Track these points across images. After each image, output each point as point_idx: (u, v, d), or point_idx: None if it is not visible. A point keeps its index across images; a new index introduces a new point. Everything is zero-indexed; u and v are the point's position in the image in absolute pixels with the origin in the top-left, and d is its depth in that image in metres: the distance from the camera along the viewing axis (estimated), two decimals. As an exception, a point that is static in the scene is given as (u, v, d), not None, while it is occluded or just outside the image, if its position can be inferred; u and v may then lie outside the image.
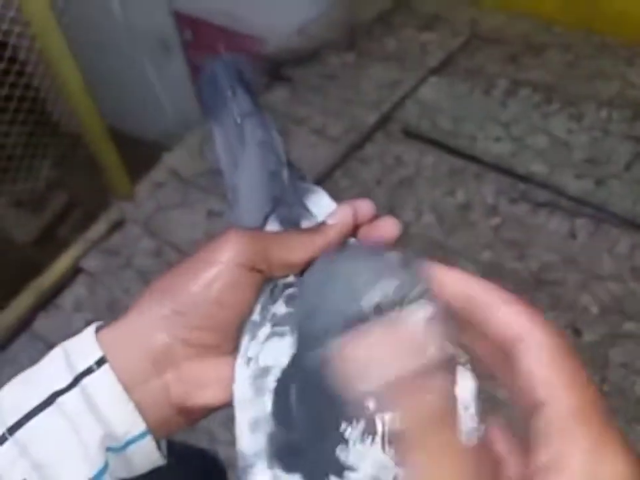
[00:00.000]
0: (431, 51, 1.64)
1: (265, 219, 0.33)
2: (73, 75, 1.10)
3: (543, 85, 1.52)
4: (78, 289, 1.29)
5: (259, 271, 0.29)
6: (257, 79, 0.39)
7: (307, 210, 0.34)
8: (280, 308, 0.29)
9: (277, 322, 0.28)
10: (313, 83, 1.61)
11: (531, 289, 1.19)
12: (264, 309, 0.29)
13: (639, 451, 0.23)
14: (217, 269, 0.28)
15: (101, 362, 0.27)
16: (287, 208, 0.33)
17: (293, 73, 1.64)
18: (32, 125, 1.75)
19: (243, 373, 0.27)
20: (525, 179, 1.33)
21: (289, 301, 0.29)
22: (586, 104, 1.46)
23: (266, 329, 0.28)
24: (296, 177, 0.35)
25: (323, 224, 0.31)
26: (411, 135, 1.46)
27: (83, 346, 0.28)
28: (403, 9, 1.81)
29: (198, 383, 0.28)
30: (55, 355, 0.28)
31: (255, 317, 0.29)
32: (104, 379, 0.27)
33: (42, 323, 1.25)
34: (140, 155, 2.32)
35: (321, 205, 0.34)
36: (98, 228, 1.35)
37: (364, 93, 1.55)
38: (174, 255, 1.29)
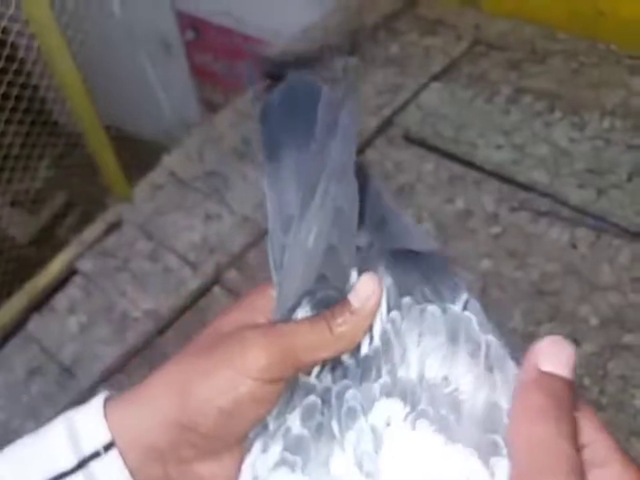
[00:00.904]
0: (434, 56, 1.63)
1: (299, 301, 0.28)
2: (71, 74, 1.09)
3: (546, 93, 1.51)
4: (73, 291, 1.28)
5: (280, 379, 0.27)
6: (358, 121, 0.30)
7: (344, 294, 0.28)
8: (295, 422, 0.26)
9: (288, 445, 0.25)
10: (314, 87, 1.60)
11: (531, 298, 1.18)
12: (280, 415, 0.26)
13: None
14: (236, 380, 0.26)
15: (108, 446, 0.26)
16: (326, 290, 0.28)
17: (295, 76, 1.63)
18: (30, 124, 1.74)
19: None
20: (526, 187, 1.31)
21: (306, 415, 0.26)
22: (589, 113, 1.44)
23: (277, 448, 0.25)
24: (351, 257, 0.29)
25: (348, 304, 0.28)
26: (412, 140, 1.45)
27: (91, 425, 0.27)
28: (407, 13, 1.80)
29: None
30: (60, 431, 0.27)
31: (270, 422, 0.26)
32: (112, 465, 0.26)
33: (36, 325, 1.24)
34: (140, 154, 2.31)
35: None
36: (94, 229, 1.34)
37: (366, 98, 1.54)
38: (171, 258, 1.28)
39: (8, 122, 1.66)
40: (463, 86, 1.54)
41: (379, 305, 0.28)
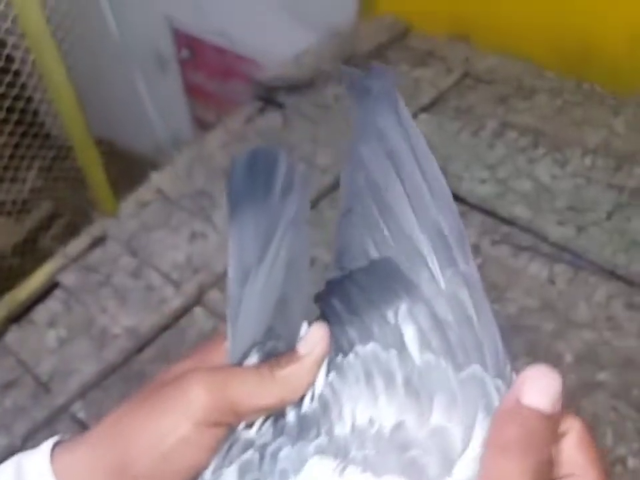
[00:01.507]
0: (423, 87, 1.66)
1: (248, 351, 0.29)
2: (65, 89, 1.10)
3: (531, 129, 1.54)
4: (53, 304, 1.27)
5: (222, 423, 0.27)
6: (309, 188, 0.33)
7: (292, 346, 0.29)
8: (231, 478, 0.26)
9: None
10: (305, 112, 1.63)
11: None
12: (217, 469, 0.27)
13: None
14: (172, 425, 0.26)
15: None
16: (275, 341, 0.29)
17: (287, 100, 1.65)
18: (21, 135, 1.75)
19: None
20: (507, 221, 1.34)
21: (243, 471, 0.26)
22: (571, 150, 1.48)
23: None
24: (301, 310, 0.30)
25: (294, 353, 0.28)
26: (399, 170, 1.47)
27: (37, 469, 0.27)
28: (399, 44, 1.84)
29: None
30: (9, 473, 0.27)
31: (208, 476, 0.27)
32: None
33: (14, 337, 1.23)
34: (130, 169, 2.32)
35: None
36: (79, 243, 1.34)
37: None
38: (154, 275, 1.28)
39: (-1, 132, 1.67)
40: (450, 118, 1.57)
41: (325, 354, 0.28)
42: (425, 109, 1.58)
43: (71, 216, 2.25)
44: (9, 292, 1.26)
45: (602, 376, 1.12)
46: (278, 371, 0.28)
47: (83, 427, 1.12)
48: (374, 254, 0.29)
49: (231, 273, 0.31)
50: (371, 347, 0.28)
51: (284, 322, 0.29)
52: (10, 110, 1.58)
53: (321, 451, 0.26)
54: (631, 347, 1.16)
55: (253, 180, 0.33)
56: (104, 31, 2.00)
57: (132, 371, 1.17)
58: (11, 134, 1.67)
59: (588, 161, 1.46)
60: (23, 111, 1.67)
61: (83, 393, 1.15)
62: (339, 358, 0.28)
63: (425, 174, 0.30)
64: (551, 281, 1.27)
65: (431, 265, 0.28)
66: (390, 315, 0.28)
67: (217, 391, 0.27)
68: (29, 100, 1.74)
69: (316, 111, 1.63)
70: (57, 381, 1.17)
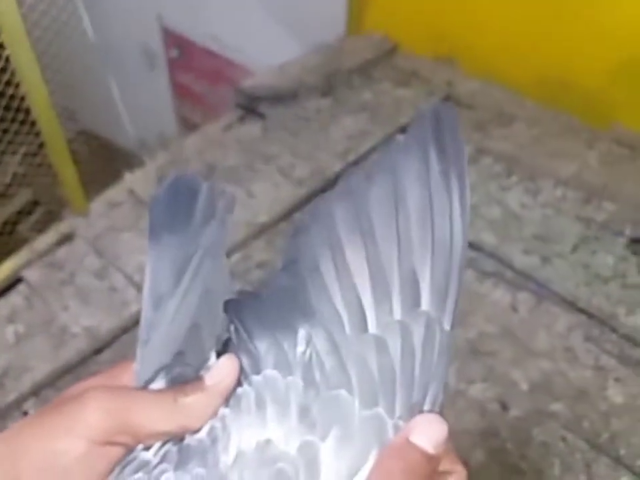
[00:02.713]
0: (403, 107, 1.68)
1: (155, 375, 0.29)
2: (37, 88, 1.09)
3: (506, 156, 1.56)
4: (15, 299, 1.26)
5: (118, 444, 0.27)
6: (229, 218, 0.33)
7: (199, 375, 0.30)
8: None
9: None
10: (286, 123, 1.63)
11: (466, 357, 1.21)
12: None
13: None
14: (66, 442, 0.26)
15: None
16: (182, 367, 0.30)
17: (268, 111, 1.66)
18: (10, 120, 1.73)
19: None
20: (474, 246, 1.35)
21: None
22: (543, 180, 1.50)
23: None
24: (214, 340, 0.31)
25: (200, 382, 0.29)
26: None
27: None
28: (384, 62, 1.86)
29: None
30: None
31: None
32: None
33: (-29, 330, 1.22)
34: (113, 161, 2.31)
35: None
36: (46, 239, 1.33)
37: (333, 140, 1.58)
38: (118, 277, 1.28)
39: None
40: (428, 140, 1.58)
41: (232, 387, 0.29)
42: (403, 130, 1.59)
43: (50, 205, 2.23)
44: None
45: (555, 406, 1.14)
46: (182, 398, 0.28)
47: (33, 425, 1.11)
48: (325, 270, 0.30)
49: (145, 297, 0.32)
50: (267, 373, 0.29)
51: (194, 349, 0.30)
52: (2, 94, 1.57)
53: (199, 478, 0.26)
54: (585, 378, 1.17)
55: (174, 208, 0.33)
56: (81, 30, 1.99)
57: (88, 372, 1.17)
58: (2, 120, 1.66)
59: (559, 192, 1.48)
60: (12, 97, 1.66)
61: (36, 391, 1.14)
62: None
63: (434, 222, 0.30)
64: (514, 308, 1.29)
65: (367, 303, 0.29)
66: (291, 340, 0.29)
67: (114, 411, 0.27)
68: (18, 86, 1.74)
69: (296, 123, 1.64)
70: (11, 377, 1.15)
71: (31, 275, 1.30)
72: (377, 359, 0.28)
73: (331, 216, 0.31)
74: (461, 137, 0.32)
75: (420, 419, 0.27)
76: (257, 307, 0.31)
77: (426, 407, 0.28)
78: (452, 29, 1.77)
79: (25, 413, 1.11)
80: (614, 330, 1.22)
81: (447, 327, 0.29)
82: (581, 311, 1.26)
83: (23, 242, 1.39)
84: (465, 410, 1.13)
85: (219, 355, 0.30)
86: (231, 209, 0.33)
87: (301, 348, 0.29)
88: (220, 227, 0.32)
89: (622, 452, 1.06)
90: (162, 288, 0.32)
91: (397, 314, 0.29)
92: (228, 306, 0.31)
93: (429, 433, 0.27)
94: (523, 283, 1.31)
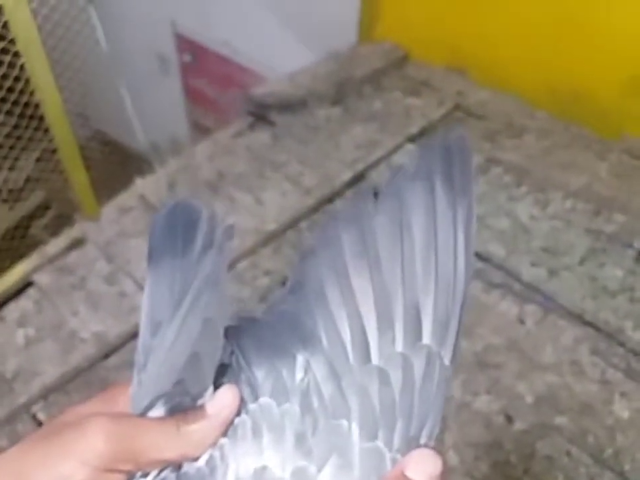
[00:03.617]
0: (414, 116, 1.68)
1: (154, 402, 0.30)
2: (51, 95, 1.11)
3: (516, 167, 1.56)
4: (25, 303, 1.28)
5: (120, 471, 0.27)
6: (229, 246, 0.33)
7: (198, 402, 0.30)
8: None
9: None
10: (295, 132, 1.64)
11: (472, 369, 1.21)
12: None
13: None
14: (69, 469, 0.26)
15: None
16: (182, 396, 0.30)
17: (278, 118, 1.67)
18: (18, 116, 1.76)
19: None
20: (482, 257, 1.35)
21: None
22: (553, 192, 1.50)
23: None
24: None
25: (202, 411, 0.29)
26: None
27: None
28: (396, 71, 1.86)
29: None
30: None
31: None
32: None
33: (-18, 333, 1.23)
34: (129, 164, 2.33)
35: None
36: (57, 243, 1.35)
37: (342, 150, 1.58)
38: (127, 282, 1.29)
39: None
40: (437, 150, 1.58)
41: (233, 417, 0.29)
42: (412, 139, 1.60)
43: (62, 207, 2.26)
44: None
45: (560, 420, 1.14)
46: (184, 426, 0.28)
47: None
48: (331, 296, 0.30)
49: (143, 322, 0.32)
50: (262, 402, 0.29)
51: (194, 378, 0.30)
52: (15, 103, 1.61)
53: None
54: (591, 392, 1.17)
55: (173, 234, 0.33)
56: (94, 38, 2.01)
57: (96, 377, 1.18)
58: (16, 127, 1.70)
59: (569, 203, 1.48)
60: (26, 104, 1.69)
61: (45, 394, 1.16)
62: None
63: (438, 255, 0.30)
64: (520, 321, 1.29)
65: (371, 333, 0.29)
66: (290, 366, 0.30)
67: (118, 439, 0.27)
68: (32, 93, 1.77)
69: (306, 132, 1.65)
70: (20, 380, 1.17)
71: (42, 279, 1.32)
72: (378, 391, 0.29)
73: (338, 241, 0.31)
74: (471, 168, 0.32)
75: (416, 454, 0.28)
76: (257, 333, 0.31)
77: (422, 440, 0.29)
78: (463, 38, 1.78)
79: (34, 416, 1.13)
80: (621, 344, 1.22)
81: (446, 361, 0.29)
82: (588, 324, 1.25)
83: (34, 245, 1.41)
84: (470, 422, 1.13)
85: (217, 382, 0.30)
86: (231, 237, 0.33)
87: (299, 375, 0.29)
88: (219, 255, 0.32)
89: (626, 467, 1.05)
90: (160, 314, 0.32)
91: (399, 346, 0.29)
92: (227, 332, 0.31)
93: (424, 467, 0.27)
94: (531, 296, 1.31)
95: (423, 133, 1.62)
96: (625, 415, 1.12)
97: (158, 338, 0.31)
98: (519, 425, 1.13)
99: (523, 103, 1.74)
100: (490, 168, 1.55)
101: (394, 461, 0.28)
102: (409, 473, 0.27)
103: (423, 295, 0.30)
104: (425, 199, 0.31)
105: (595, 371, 1.20)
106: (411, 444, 0.28)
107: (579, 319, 1.26)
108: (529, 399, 1.16)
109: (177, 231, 0.33)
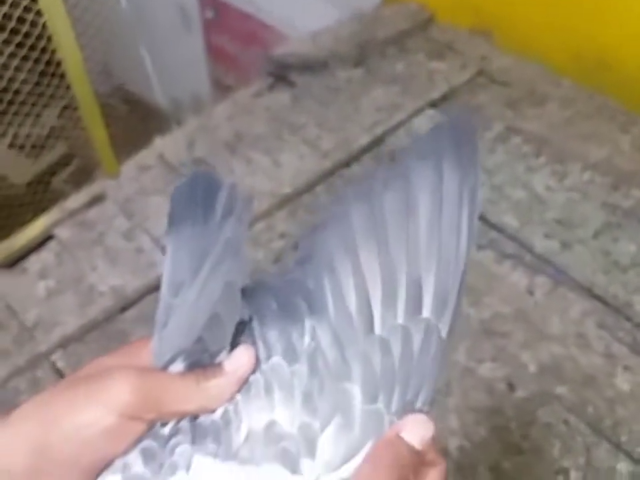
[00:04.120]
0: (436, 81, 1.66)
1: (175, 358, 0.32)
2: (72, 53, 1.12)
3: (536, 137, 1.54)
4: (46, 256, 1.32)
5: (143, 420, 0.29)
6: (247, 217, 0.35)
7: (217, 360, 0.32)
8: (137, 460, 0.29)
9: (127, 479, 0.28)
10: (315, 93, 1.64)
11: (478, 337, 1.23)
12: (125, 455, 0.29)
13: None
14: (96, 414, 0.28)
15: None
16: (201, 353, 0.32)
17: (298, 79, 1.66)
18: (40, 74, 1.78)
19: None
20: (496, 228, 1.36)
21: (147, 458, 0.29)
22: (572, 164, 1.48)
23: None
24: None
25: (220, 368, 0.31)
26: (398, 162, 1.48)
27: None
28: (420, 33, 1.83)
29: None
30: None
31: (116, 460, 0.29)
32: None
33: (5, 283, 1.28)
34: (149, 119, 2.34)
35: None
36: (78, 198, 1.38)
37: (362, 113, 1.58)
38: (145, 239, 1.32)
39: (18, 69, 1.71)
40: (457, 117, 1.57)
41: (247, 375, 0.32)
42: (433, 104, 1.58)
43: (83, 162, 2.30)
44: (4, 240, 1.31)
45: (561, 389, 1.16)
46: (203, 381, 0.31)
47: (61, 376, 1.18)
48: (340, 270, 0.32)
49: (165, 283, 0.35)
50: (274, 361, 0.32)
51: (213, 337, 0.32)
52: (37, 61, 1.62)
53: (212, 454, 0.29)
54: (595, 365, 1.19)
55: (194, 202, 0.35)
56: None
57: (114, 329, 1.23)
58: (38, 84, 1.72)
59: (587, 176, 1.46)
60: (48, 62, 1.71)
61: (64, 344, 1.21)
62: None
63: (442, 234, 0.32)
64: (530, 292, 1.30)
65: (376, 306, 0.32)
66: (299, 330, 0.32)
67: (143, 389, 0.29)
68: (54, 52, 1.78)
69: (326, 93, 1.64)
70: (40, 330, 1.22)
71: (62, 233, 1.35)
72: (380, 359, 0.31)
73: (348, 217, 0.33)
74: (478, 150, 0.33)
75: (411, 418, 0.31)
76: (270, 297, 0.33)
77: (417, 405, 0.31)
78: (490, 1, 1.73)
79: (53, 365, 1.18)
80: (628, 318, 1.23)
81: (443, 334, 0.32)
82: (597, 297, 1.26)
83: (56, 198, 1.45)
84: (473, 388, 1.16)
85: (234, 341, 0.33)
86: (250, 210, 0.35)
87: (307, 339, 0.32)
88: (239, 225, 0.34)
89: (623, 438, 1.08)
90: (181, 276, 0.34)
91: (400, 318, 0.31)
92: (243, 294, 0.33)
93: (418, 430, 0.30)
94: (542, 267, 1.31)
95: (445, 98, 1.60)
96: (626, 387, 1.14)
97: (179, 298, 0.33)
98: (520, 393, 1.15)
99: (547, 70, 1.70)
100: (510, 137, 1.54)
101: (391, 423, 0.30)
102: (404, 434, 0.30)
103: (425, 271, 0.32)
104: (432, 178, 0.33)
105: (600, 344, 1.21)
106: (406, 408, 0.31)
107: (588, 292, 1.27)
108: (533, 368, 1.18)
109: (197, 200, 0.35)
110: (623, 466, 1.03)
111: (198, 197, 0.36)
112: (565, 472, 1.06)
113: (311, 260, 0.33)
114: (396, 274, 0.32)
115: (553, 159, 1.49)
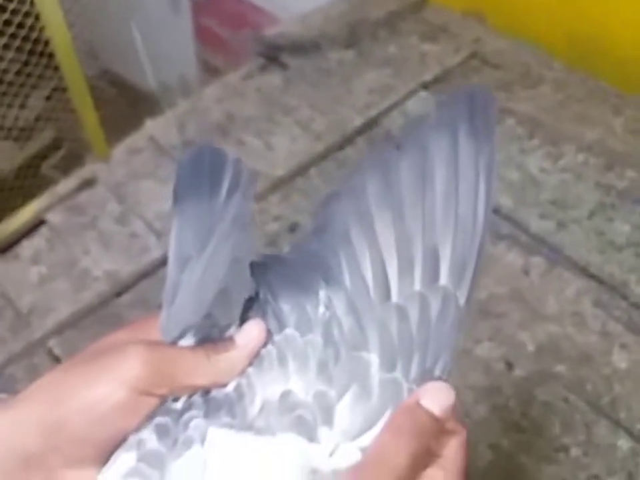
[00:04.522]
0: (429, 63, 1.65)
1: (184, 333, 0.31)
2: (60, 32, 1.10)
3: (530, 119, 1.54)
4: (38, 241, 1.30)
5: (155, 395, 0.29)
6: (252, 193, 0.35)
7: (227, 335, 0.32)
8: (151, 436, 0.28)
9: (143, 456, 0.28)
10: (308, 75, 1.62)
11: (475, 317, 1.23)
12: (138, 430, 0.29)
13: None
14: (108, 389, 0.28)
15: None
16: (210, 328, 0.31)
17: (290, 61, 1.64)
18: (28, 53, 1.74)
19: None
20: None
21: (161, 434, 0.28)
22: (566, 145, 1.48)
23: (130, 457, 0.28)
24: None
25: (231, 342, 0.31)
26: (392, 145, 1.47)
27: None
28: (412, 15, 1.81)
29: None
30: None
31: (130, 435, 0.29)
32: None
33: (-2, 269, 1.26)
34: (138, 103, 2.30)
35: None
36: (68, 183, 1.36)
37: (355, 95, 1.57)
38: (138, 223, 1.31)
39: (5, 47, 1.67)
40: (450, 98, 1.56)
41: (259, 348, 0.31)
42: (426, 86, 1.58)
43: (73, 147, 2.26)
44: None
45: (559, 368, 1.17)
46: (214, 355, 0.30)
47: (57, 362, 1.17)
48: (356, 239, 0.32)
49: (171, 259, 0.34)
50: (287, 332, 0.31)
51: (222, 312, 0.31)
52: (25, 39, 1.59)
53: (227, 426, 0.29)
54: (591, 343, 1.19)
55: (199, 178, 0.35)
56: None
57: (108, 314, 1.21)
58: (26, 63, 1.68)
59: (581, 157, 1.47)
60: (36, 41, 1.67)
61: (60, 330, 1.19)
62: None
63: (458, 203, 0.32)
64: (525, 272, 1.30)
65: (392, 274, 0.31)
66: (313, 301, 0.31)
67: (155, 364, 0.29)
68: (42, 30, 1.75)
69: (318, 75, 1.62)
70: (36, 316, 1.20)
71: (54, 218, 1.33)
72: (397, 327, 0.30)
73: (363, 187, 0.32)
74: (494, 118, 0.33)
75: (431, 385, 0.30)
76: (282, 270, 0.33)
77: (436, 373, 0.30)
78: (482, -19, 1.72)
79: (50, 351, 1.16)
80: (624, 297, 1.24)
81: (461, 302, 0.31)
82: (592, 277, 1.27)
83: (45, 184, 1.42)
84: (471, 368, 1.16)
85: (244, 315, 0.32)
86: (254, 185, 0.34)
87: (321, 309, 0.31)
88: (245, 199, 0.34)
89: (622, 415, 1.09)
90: (188, 251, 0.33)
91: (417, 285, 0.31)
92: (254, 268, 0.32)
93: (438, 398, 0.29)
94: (537, 248, 1.32)
95: (437, 80, 1.59)
96: (623, 365, 1.15)
97: (186, 274, 0.33)
98: (518, 372, 1.16)
99: (540, 53, 1.70)
100: (504, 119, 1.53)
101: (410, 391, 0.30)
102: (424, 402, 0.29)
103: (442, 240, 0.31)
104: (448, 147, 0.32)
105: (596, 323, 1.22)
106: (425, 376, 0.30)
107: (583, 271, 1.28)
108: (530, 348, 1.19)
109: (202, 175, 0.35)
110: (623, 442, 1.04)
111: (204, 171, 0.35)
112: (566, 449, 1.07)
113: (326, 230, 0.33)
114: (412, 243, 0.31)
115: (546, 141, 1.49)
